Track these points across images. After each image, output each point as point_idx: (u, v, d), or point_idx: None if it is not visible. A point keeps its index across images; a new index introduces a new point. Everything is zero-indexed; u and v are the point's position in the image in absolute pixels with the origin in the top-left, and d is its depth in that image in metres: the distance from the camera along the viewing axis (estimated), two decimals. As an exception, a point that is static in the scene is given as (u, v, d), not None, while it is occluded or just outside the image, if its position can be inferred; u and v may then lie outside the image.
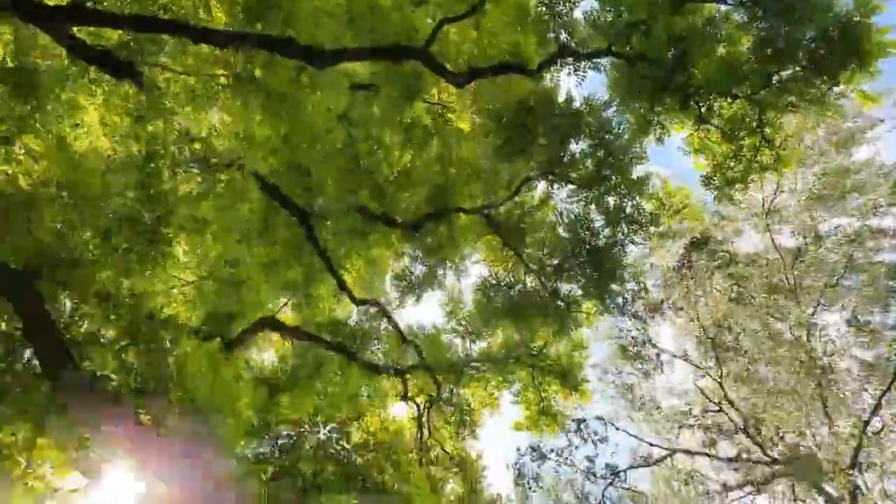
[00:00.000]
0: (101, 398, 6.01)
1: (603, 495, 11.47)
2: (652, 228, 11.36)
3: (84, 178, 6.41)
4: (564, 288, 12.19)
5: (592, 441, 11.86)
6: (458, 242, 11.70)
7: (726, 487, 12.60)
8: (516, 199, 11.70)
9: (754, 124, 10.22)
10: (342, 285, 10.36)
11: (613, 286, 11.94)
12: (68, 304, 6.59)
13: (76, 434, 6.00)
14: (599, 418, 11.89)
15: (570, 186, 11.52)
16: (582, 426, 12.47)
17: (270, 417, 6.81)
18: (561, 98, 10.97)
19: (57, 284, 6.36)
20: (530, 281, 12.40)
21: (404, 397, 15.73)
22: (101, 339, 6.34)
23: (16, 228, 6.08)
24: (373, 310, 11.97)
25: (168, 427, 5.70)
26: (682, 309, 10.58)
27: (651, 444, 11.42)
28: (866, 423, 8.03)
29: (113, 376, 6.30)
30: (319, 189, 10.69)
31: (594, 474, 11.79)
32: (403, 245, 11.65)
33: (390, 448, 7.21)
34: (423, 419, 15.93)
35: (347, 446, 6.70)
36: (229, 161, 10.03)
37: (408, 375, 15.37)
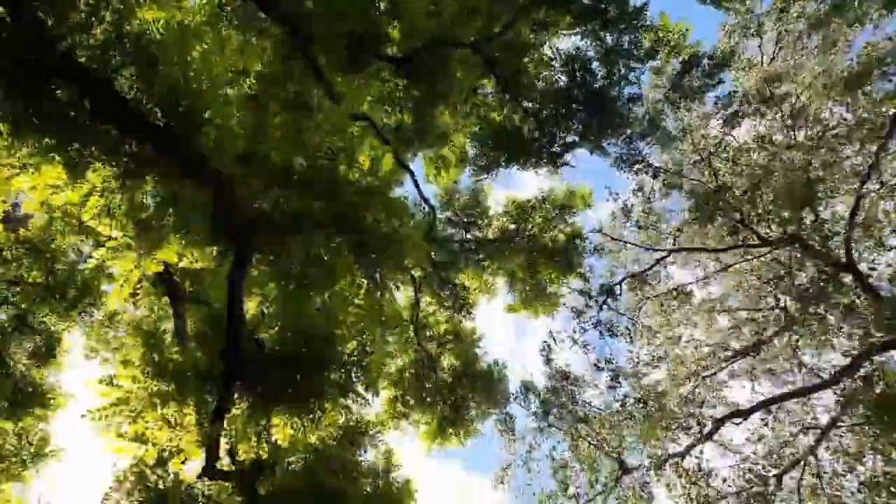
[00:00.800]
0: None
1: (598, 315, 11.53)
2: (649, 63, 11.25)
3: None
4: (561, 133, 12.09)
5: (587, 255, 11.86)
6: (453, 78, 11.57)
7: (726, 350, 12.67)
8: (510, 34, 11.52)
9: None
10: (331, 94, 10.17)
11: (610, 130, 11.87)
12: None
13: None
14: (597, 230, 11.85)
15: (567, 20, 11.36)
16: (577, 241, 12.47)
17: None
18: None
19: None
20: (527, 127, 12.29)
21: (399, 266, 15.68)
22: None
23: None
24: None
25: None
26: (676, 136, 10.50)
27: (647, 249, 11.40)
28: (863, 182, 7.99)
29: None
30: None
31: (589, 295, 11.82)
32: (396, 80, 11.50)
33: (382, 193, 7.18)
34: (419, 294, 15.98)
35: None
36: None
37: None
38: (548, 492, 10.57)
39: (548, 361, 11.57)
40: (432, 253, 16.28)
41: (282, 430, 6.09)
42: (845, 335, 7.68)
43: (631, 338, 11.53)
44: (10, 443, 12.07)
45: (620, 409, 10.56)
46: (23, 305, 13.36)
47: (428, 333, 16.23)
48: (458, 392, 15.05)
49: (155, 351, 5.98)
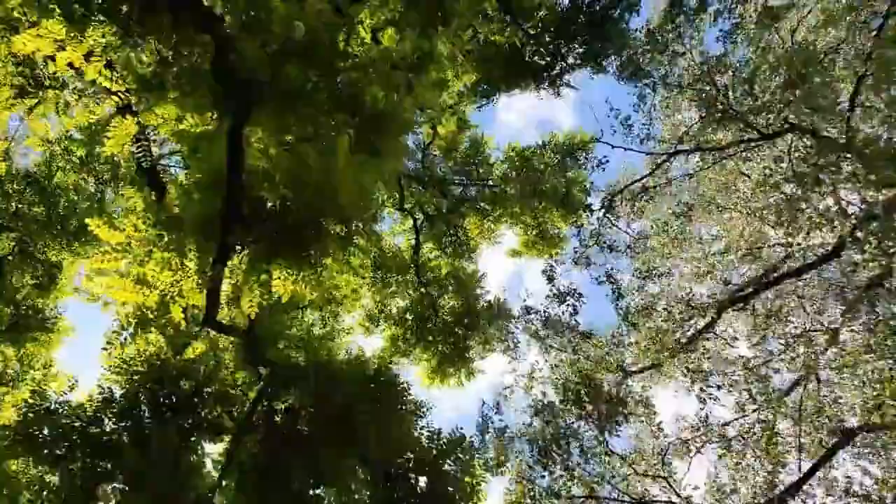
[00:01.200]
0: None
1: (598, 228, 11.49)
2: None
3: None
4: (562, 55, 12.02)
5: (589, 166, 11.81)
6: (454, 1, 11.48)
7: (727, 285, 12.60)
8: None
9: None
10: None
11: (612, 51, 11.79)
12: None
13: None
14: (596, 139, 11.79)
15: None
16: (576, 151, 12.43)
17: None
18: None
19: None
20: (528, 50, 12.20)
21: (400, 207, 15.76)
22: None
23: None
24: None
25: None
26: (676, 51, 10.40)
27: (648, 154, 11.33)
28: (864, 63, 7.90)
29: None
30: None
31: (590, 210, 11.78)
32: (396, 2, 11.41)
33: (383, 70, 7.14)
34: (420, 235, 15.97)
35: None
36: None
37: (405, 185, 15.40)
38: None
39: (550, 280, 11.55)
40: (434, 199, 16.28)
41: (283, 284, 6.08)
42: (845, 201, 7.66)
43: (631, 251, 11.52)
44: (13, 367, 12.14)
45: (622, 321, 10.57)
46: (25, 239, 13.40)
47: (430, 275, 16.22)
48: (458, 332, 15.07)
49: (156, 202, 5.96)
